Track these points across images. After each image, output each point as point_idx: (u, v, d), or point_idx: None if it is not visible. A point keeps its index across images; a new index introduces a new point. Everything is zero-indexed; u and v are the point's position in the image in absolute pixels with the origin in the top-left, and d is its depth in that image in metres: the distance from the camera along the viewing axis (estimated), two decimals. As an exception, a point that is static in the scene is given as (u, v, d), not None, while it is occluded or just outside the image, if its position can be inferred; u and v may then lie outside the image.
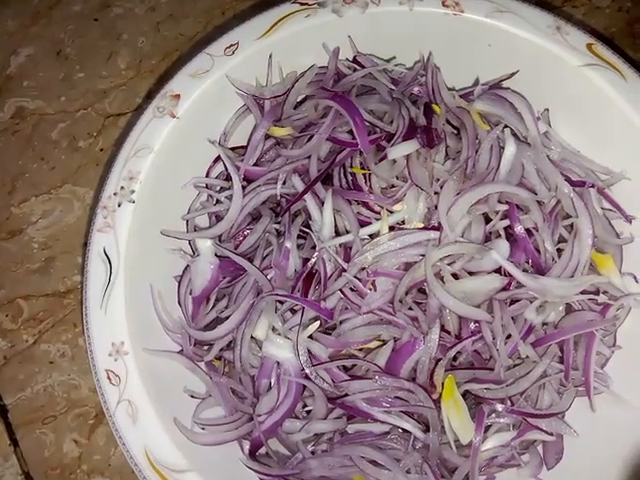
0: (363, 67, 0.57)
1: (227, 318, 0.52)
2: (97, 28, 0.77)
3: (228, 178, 0.57)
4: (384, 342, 0.51)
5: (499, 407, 0.50)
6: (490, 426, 0.51)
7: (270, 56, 0.57)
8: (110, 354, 0.48)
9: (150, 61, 0.75)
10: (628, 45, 0.72)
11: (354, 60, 0.58)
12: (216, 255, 0.54)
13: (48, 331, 0.65)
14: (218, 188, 0.58)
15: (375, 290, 0.50)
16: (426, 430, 0.49)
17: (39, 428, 0.62)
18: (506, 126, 0.55)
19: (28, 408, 0.63)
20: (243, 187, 0.55)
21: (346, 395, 0.49)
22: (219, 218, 0.56)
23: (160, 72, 0.74)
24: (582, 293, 0.51)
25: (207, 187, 0.58)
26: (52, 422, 0.62)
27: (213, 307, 0.55)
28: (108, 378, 0.48)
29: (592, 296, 0.52)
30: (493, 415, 0.50)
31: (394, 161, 0.52)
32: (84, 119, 0.73)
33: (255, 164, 0.57)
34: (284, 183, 0.55)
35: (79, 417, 0.62)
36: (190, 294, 0.55)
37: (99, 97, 0.74)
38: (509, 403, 0.50)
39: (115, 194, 0.52)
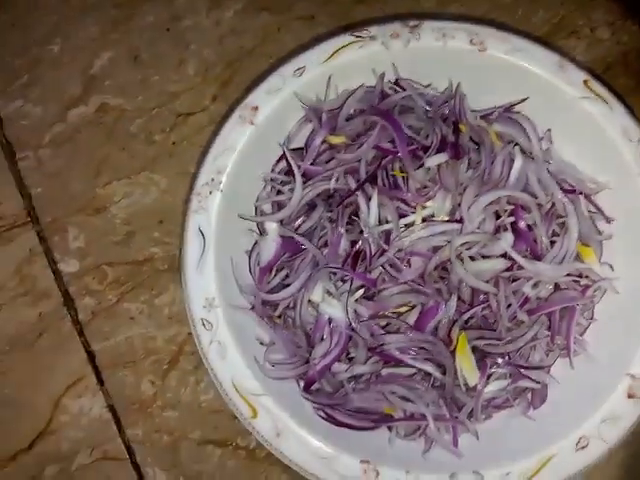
0: (404, 89, 0.62)
1: (288, 285, 0.58)
2: (169, 38, 0.78)
3: (288, 173, 0.62)
4: (412, 307, 0.57)
5: (499, 360, 0.55)
6: (491, 375, 0.56)
7: (329, 77, 0.62)
8: (204, 306, 0.55)
9: (215, 69, 0.77)
10: (622, 72, 0.75)
11: (396, 83, 0.63)
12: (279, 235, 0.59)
13: (129, 292, 0.69)
14: (280, 181, 0.63)
15: (410, 267, 0.56)
16: (443, 373, 0.55)
17: (121, 371, 0.66)
18: (516, 144, 0.60)
19: (112, 354, 0.66)
20: (302, 182, 0.60)
21: (383, 345, 0.55)
22: (281, 206, 0.61)
23: (224, 79, 0.76)
24: (568, 276, 0.57)
25: (272, 180, 0.63)
26: (132, 366, 0.66)
27: (275, 276, 0.60)
28: (203, 325, 0.55)
29: (576, 278, 0.57)
30: (494, 366, 0.56)
31: (428, 168, 0.57)
32: (158, 116, 0.75)
33: (312, 164, 0.61)
34: (337, 180, 0.60)
35: (155, 363, 0.66)
36: (258, 265, 0.60)
37: (171, 98, 0.75)
38: (507, 358, 0.56)
39: (207, 184, 0.59)
